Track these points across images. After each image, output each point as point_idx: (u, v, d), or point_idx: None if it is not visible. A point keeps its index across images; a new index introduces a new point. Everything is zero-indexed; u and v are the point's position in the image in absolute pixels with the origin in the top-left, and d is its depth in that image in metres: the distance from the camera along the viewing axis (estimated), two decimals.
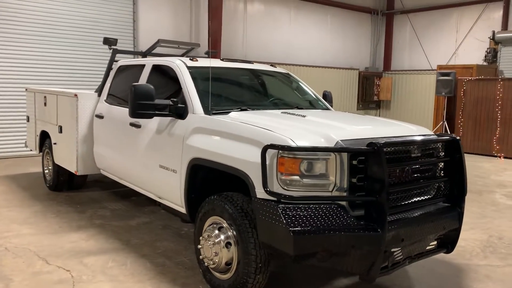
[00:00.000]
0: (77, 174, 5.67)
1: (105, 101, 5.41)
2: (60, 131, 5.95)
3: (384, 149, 2.89)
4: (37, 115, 6.81)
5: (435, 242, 3.46)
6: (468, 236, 5.00)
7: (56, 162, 6.17)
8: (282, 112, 3.88)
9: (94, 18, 9.97)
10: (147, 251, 4.35)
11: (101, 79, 5.92)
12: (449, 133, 11.95)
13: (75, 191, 6.49)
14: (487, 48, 14.43)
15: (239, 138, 3.24)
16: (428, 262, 4.12)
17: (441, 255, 3.95)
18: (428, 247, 3.37)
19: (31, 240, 4.57)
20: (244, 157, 3.11)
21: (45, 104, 6.46)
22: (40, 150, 6.86)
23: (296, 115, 3.73)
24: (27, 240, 4.57)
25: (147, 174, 4.43)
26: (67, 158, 5.81)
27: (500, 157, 11.32)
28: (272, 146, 2.87)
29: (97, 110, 5.46)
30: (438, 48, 15.99)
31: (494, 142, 11.50)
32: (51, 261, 4.05)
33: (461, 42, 15.32)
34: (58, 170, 6.25)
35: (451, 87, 12.30)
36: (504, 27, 14.19)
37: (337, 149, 2.91)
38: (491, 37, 14.18)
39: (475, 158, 11.19)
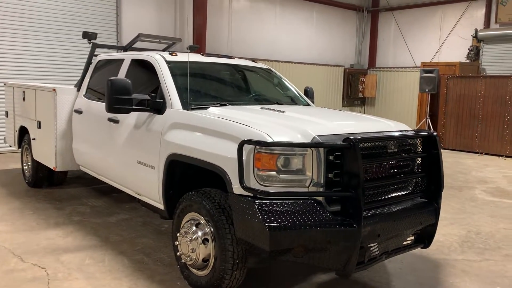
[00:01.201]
0: (56, 170, 5.58)
1: (84, 96, 5.33)
2: (39, 127, 5.84)
3: (360, 145, 2.89)
4: (16, 110, 6.68)
5: (412, 237, 3.48)
6: (447, 231, 5.05)
7: (35, 158, 6.07)
8: (261, 108, 3.86)
9: (76, 12, 9.82)
10: (125, 248, 4.30)
11: (78, 73, 5.82)
12: (432, 130, 12.07)
13: (55, 188, 6.39)
14: (470, 46, 14.59)
15: (216, 133, 3.21)
16: (407, 257, 4.15)
17: (420, 250, 3.99)
18: (405, 242, 3.39)
19: (6, 237, 4.49)
20: (221, 153, 3.08)
21: (23, 99, 6.34)
22: (19, 146, 6.74)
23: (275, 110, 3.71)
24: (2, 237, 4.48)
25: (125, 170, 4.37)
26: (46, 154, 5.72)
27: (481, 153, 11.47)
28: (248, 142, 2.84)
29: (76, 105, 5.38)
30: (422, 45, 16.12)
31: (476, 139, 11.65)
32: (26, 259, 3.98)
33: (445, 40, 15.47)
34: (37, 166, 6.14)
35: (435, 84, 12.42)
36: (487, 25, 14.37)
37: (313, 145, 2.90)
38: (474, 35, 14.35)
39: (457, 154, 11.34)
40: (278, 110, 3.70)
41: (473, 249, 4.59)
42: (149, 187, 3.97)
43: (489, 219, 5.69)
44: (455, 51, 15.04)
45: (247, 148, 2.89)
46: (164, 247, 4.35)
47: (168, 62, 4.21)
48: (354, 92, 17.30)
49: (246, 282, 3.36)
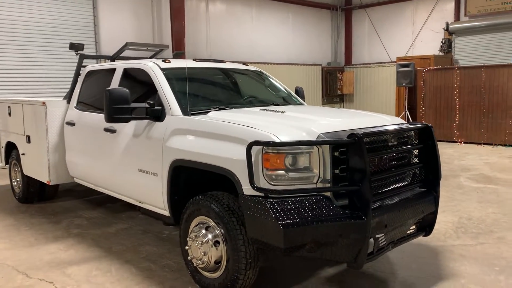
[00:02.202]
0: (50, 184, 5.52)
1: (75, 107, 5.29)
2: (29, 141, 5.77)
3: (364, 139, 2.99)
4: (2, 126, 6.57)
5: (414, 227, 3.61)
6: (440, 219, 5.21)
7: (26, 173, 5.98)
8: (260, 110, 3.93)
9: (53, 23, 9.72)
10: (130, 257, 4.30)
11: (66, 85, 5.80)
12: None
13: (47, 202, 6.32)
14: (442, 39, 15.03)
15: (222, 137, 3.27)
16: (407, 246, 4.28)
17: (418, 239, 4.11)
18: (408, 232, 3.51)
19: (7, 255, 4.43)
20: (228, 156, 3.14)
21: (9, 114, 6.25)
22: (7, 162, 6.62)
23: (275, 111, 3.79)
24: (3, 255, 4.42)
25: (125, 179, 4.38)
26: (38, 168, 5.65)
27: (460, 142, 11.83)
28: (257, 143, 2.91)
29: (68, 117, 5.34)
30: (396, 40, 16.50)
31: (454, 129, 12.01)
32: (31, 275, 3.94)
33: (418, 34, 15.88)
34: (28, 181, 6.06)
35: (411, 77, 12.74)
36: (457, 18, 14.83)
37: (319, 142, 2.99)
38: (445, 28, 14.79)
39: (438, 144, 11.63)
40: (278, 111, 3.78)
41: (467, 234, 4.77)
42: (152, 194, 3.99)
43: (478, 204, 5.90)
44: (428, 44, 15.46)
45: (255, 149, 2.95)
46: (168, 253, 4.37)
47: (163, 70, 4.24)
48: (333, 89, 17.57)
49: (256, 281, 3.41)
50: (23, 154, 5.98)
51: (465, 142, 11.80)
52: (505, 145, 11.11)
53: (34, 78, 9.55)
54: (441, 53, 14.91)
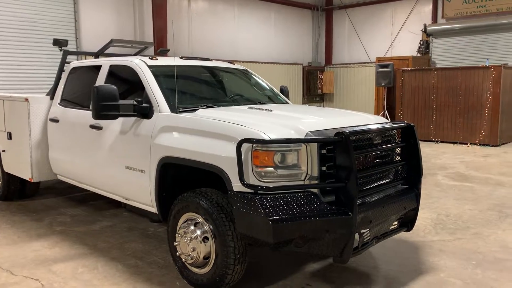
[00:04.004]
0: (32, 181, 5.46)
1: (59, 104, 5.24)
2: (10, 138, 5.69)
3: (351, 138, 3.09)
4: None
5: (396, 222, 3.74)
6: (419, 216, 5.28)
7: (6, 170, 5.89)
8: (248, 108, 3.99)
9: (33, 18, 9.56)
10: (116, 254, 4.31)
11: (47, 82, 5.73)
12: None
13: (28, 200, 6.23)
14: (420, 40, 15.38)
15: (212, 134, 3.31)
16: (389, 242, 4.41)
17: (399, 235, 4.26)
18: (391, 227, 3.64)
19: None
20: (218, 153, 3.19)
21: None
22: None
23: (263, 109, 3.85)
24: None
25: (112, 176, 4.38)
26: (20, 165, 5.58)
27: (437, 141, 12.14)
28: (247, 140, 2.97)
29: (51, 114, 5.29)
30: (375, 41, 16.79)
31: (432, 128, 12.31)
32: (16, 272, 3.91)
33: (396, 35, 16.20)
34: (8, 179, 5.97)
35: (390, 78, 13.01)
36: (434, 20, 15.19)
37: (308, 140, 3.08)
38: (423, 30, 15.13)
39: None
40: (266, 109, 3.85)
41: (445, 230, 4.94)
42: (139, 191, 4.01)
43: (455, 202, 6.10)
44: (406, 45, 15.79)
45: (245, 146, 3.01)
46: (155, 250, 4.39)
47: (150, 67, 4.25)
48: (314, 89, 17.77)
49: (242, 276, 3.47)
50: (3, 151, 5.89)
51: (441, 141, 12.11)
52: (479, 145, 11.45)
53: (14, 74, 9.37)
54: (419, 54, 15.24)
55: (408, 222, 3.81)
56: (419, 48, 15.36)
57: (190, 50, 13.12)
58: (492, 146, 11.29)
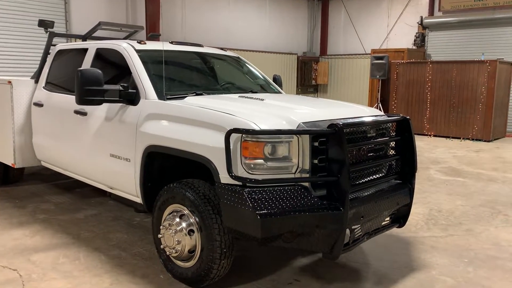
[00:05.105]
0: (15, 167, 5.28)
1: (44, 88, 5.06)
2: None
3: (344, 130, 2.96)
4: None
5: (388, 218, 3.64)
6: (412, 211, 5.25)
7: None
8: (239, 96, 3.84)
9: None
10: (99, 244, 4.17)
11: (34, 65, 5.52)
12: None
13: (11, 186, 6.06)
14: (416, 33, 15.23)
15: (199, 123, 3.17)
16: (380, 237, 4.31)
17: (391, 230, 4.15)
18: (383, 223, 3.53)
19: None
20: (206, 143, 3.05)
21: None
22: None
23: (255, 99, 3.71)
24: None
25: (96, 164, 4.22)
26: (2, 150, 5.40)
27: (430, 135, 12.08)
28: (236, 130, 2.84)
29: (35, 98, 5.10)
30: (371, 33, 16.62)
31: (425, 122, 12.24)
32: None
33: (392, 27, 16.03)
34: None
35: (385, 70, 12.87)
36: (431, 13, 15.03)
37: (300, 131, 2.94)
38: (419, 22, 14.98)
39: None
40: (257, 98, 3.71)
41: (437, 225, 4.86)
42: (124, 181, 3.87)
43: (447, 197, 6.03)
44: (402, 38, 15.64)
45: (233, 137, 2.88)
46: (140, 241, 4.27)
47: (138, 51, 4.08)
48: (308, 79, 17.60)
49: (229, 270, 3.36)
50: None
51: (434, 135, 12.06)
52: (472, 139, 11.41)
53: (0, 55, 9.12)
54: (414, 47, 15.11)
55: (400, 218, 3.71)
56: (414, 40, 15.22)
57: (183, 36, 12.87)
58: (485, 141, 11.25)
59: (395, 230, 4.39)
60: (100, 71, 3.65)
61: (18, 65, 9.04)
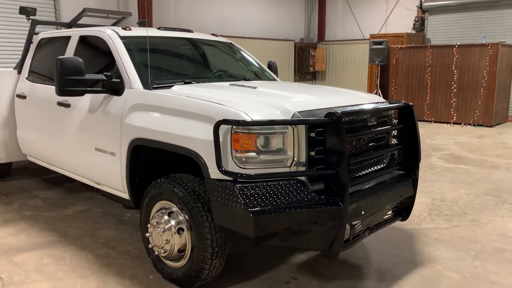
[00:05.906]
0: (0, 162, 5.06)
1: (27, 79, 4.81)
2: None
3: (343, 119, 2.74)
4: None
5: (391, 211, 3.43)
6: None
7: None
8: (230, 84, 3.60)
9: None
10: (87, 242, 3.97)
11: (17, 55, 5.27)
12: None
13: None
14: (415, 17, 14.89)
15: (186, 114, 2.94)
16: (382, 230, 4.08)
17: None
18: (385, 217, 3.33)
19: None
20: (193, 135, 2.82)
21: None
22: None
23: (246, 86, 3.47)
24: None
25: (81, 159, 4.00)
26: None
27: (430, 121, 11.85)
28: (225, 122, 2.61)
29: (18, 89, 4.86)
30: (369, 17, 16.27)
31: (425, 108, 12.00)
32: None
33: (391, 11, 15.69)
34: None
35: (384, 55, 12.59)
36: None
37: (295, 122, 2.72)
38: (419, 6, 14.64)
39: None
40: (249, 86, 3.47)
41: (441, 216, 4.66)
42: (110, 176, 3.65)
43: (450, 185, 5.83)
44: (401, 22, 15.30)
45: (223, 128, 2.66)
46: (129, 238, 4.07)
47: (122, 38, 3.83)
48: (306, 66, 17.29)
49: (222, 269, 3.17)
50: None
51: (435, 121, 11.83)
52: (474, 125, 11.19)
53: None
54: (413, 31, 14.80)
55: (403, 211, 3.49)
56: (414, 25, 14.89)
57: (177, 23, 12.54)
58: (487, 126, 11.03)
59: (397, 222, 4.18)
60: (81, 60, 3.41)
61: (4, 54, 8.75)
